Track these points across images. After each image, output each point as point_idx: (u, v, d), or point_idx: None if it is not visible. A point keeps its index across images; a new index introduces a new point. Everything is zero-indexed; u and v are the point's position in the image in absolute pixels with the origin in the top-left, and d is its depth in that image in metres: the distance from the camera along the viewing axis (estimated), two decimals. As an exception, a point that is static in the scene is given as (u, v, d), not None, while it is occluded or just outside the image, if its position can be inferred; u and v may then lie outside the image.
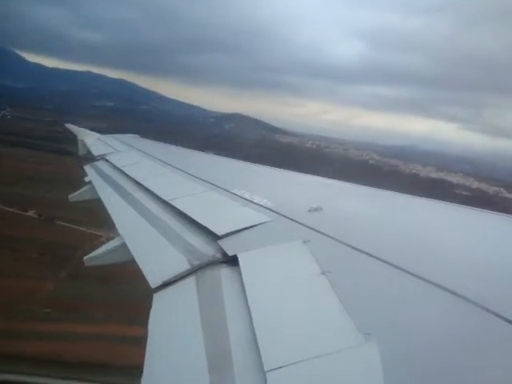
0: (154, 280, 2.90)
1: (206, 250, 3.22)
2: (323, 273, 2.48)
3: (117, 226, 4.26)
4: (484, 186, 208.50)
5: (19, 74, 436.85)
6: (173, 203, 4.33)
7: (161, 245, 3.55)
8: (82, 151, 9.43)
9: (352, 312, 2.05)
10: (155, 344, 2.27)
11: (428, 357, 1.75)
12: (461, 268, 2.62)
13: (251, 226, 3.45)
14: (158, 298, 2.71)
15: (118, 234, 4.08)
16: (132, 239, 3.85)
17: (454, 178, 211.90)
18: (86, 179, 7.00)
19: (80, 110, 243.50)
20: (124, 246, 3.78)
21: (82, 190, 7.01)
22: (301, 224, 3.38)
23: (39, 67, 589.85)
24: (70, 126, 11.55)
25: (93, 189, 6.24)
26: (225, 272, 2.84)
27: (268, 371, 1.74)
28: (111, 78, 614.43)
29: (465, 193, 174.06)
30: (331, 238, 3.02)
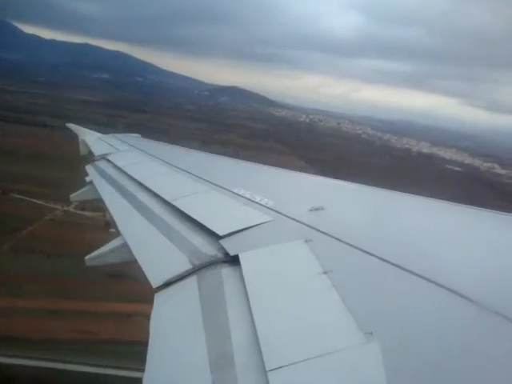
0: (155, 279, 2.88)
1: (208, 249, 3.20)
2: (325, 272, 2.46)
3: (118, 225, 4.26)
4: (477, 162, 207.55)
5: (15, 46, 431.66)
6: (174, 203, 4.32)
7: (162, 245, 3.54)
8: (83, 151, 9.32)
9: (354, 311, 2.04)
10: (157, 344, 2.26)
11: (430, 355, 1.74)
12: (462, 267, 2.61)
13: (253, 226, 3.43)
14: (159, 298, 2.70)
15: (120, 234, 4.08)
16: (133, 239, 3.85)
17: (447, 154, 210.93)
18: (87, 179, 6.94)
19: (74, 82, 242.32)
20: (125, 245, 3.77)
21: (83, 189, 6.94)
22: (302, 223, 3.37)
23: (36, 39, 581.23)
24: (71, 126, 11.19)
25: (94, 189, 6.21)
26: (226, 271, 2.84)
27: (270, 371, 1.74)
28: (108, 50, 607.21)
29: (455, 168, 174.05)
30: (333, 237, 3.01)
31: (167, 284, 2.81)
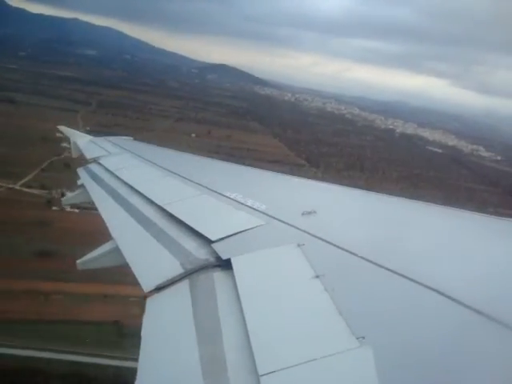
0: (147, 284, 2.85)
1: (200, 253, 3.18)
2: (317, 276, 2.47)
3: (110, 229, 4.19)
4: (462, 144, 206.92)
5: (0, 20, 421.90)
6: (166, 208, 4.27)
7: (154, 249, 3.51)
8: (74, 153, 9.31)
9: (346, 315, 2.04)
10: (149, 348, 2.25)
11: (422, 359, 1.76)
12: (453, 271, 2.61)
13: (245, 230, 3.40)
14: (151, 302, 2.67)
15: (112, 238, 4.03)
16: (125, 243, 3.82)
17: (433, 135, 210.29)
18: (79, 182, 6.90)
19: (58, 58, 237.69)
20: (117, 249, 3.74)
21: (75, 193, 6.99)
22: (295, 227, 3.33)
23: (22, 12, 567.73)
24: (63, 128, 11.00)
25: (85, 192, 6.23)
26: (218, 276, 2.82)
27: (262, 375, 1.74)
28: (98, 26, 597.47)
29: (435, 149, 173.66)
30: (325, 241, 3.00)
31: (159, 288, 2.80)
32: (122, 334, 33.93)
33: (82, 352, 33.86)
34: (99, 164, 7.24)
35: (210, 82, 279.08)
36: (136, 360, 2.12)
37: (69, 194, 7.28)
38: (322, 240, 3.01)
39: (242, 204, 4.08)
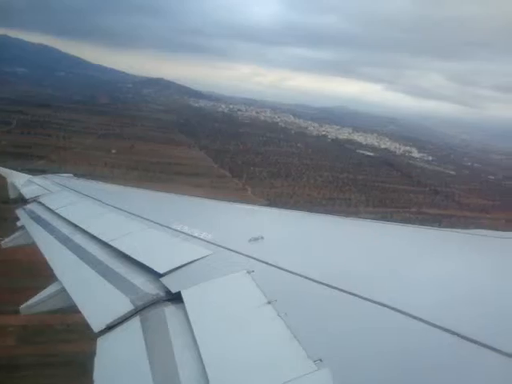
0: (96, 324, 2.76)
1: (149, 288, 3.11)
2: (269, 302, 2.47)
3: (54, 270, 3.99)
4: (395, 146, 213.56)
5: None
6: (112, 244, 4.16)
7: (102, 287, 3.37)
8: (12, 194, 8.82)
9: (301, 339, 2.05)
10: None
11: (380, 377, 1.79)
12: (404, 287, 2.63)
13: (193, 261, 3.38)
14: (102, 343, 2.58)
15: (56, 279, 3.87)
16: (71, 283, 3.67)
17: (366, 139, 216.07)
18: (19, 224, 6.66)
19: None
20: (63, 290, 3.61)
21: (15, 235, 6.63)
22: (243, 255, 3.32)
23: None
24: None
25: (26, 233, 5.93)
26: (169, 310, 2.79)
27: None
28: (30, 43, 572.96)
29: (366, 153, 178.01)
30: (274, 266, 2.99)
31: (110, 327, 2.73)
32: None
33: None
34: (39, 203, 7.00)
35: (144, 96, 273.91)
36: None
37: (7, 238, 6.73)
38: (272, 265, 3.01)
39: (189, 235, 4.00)
